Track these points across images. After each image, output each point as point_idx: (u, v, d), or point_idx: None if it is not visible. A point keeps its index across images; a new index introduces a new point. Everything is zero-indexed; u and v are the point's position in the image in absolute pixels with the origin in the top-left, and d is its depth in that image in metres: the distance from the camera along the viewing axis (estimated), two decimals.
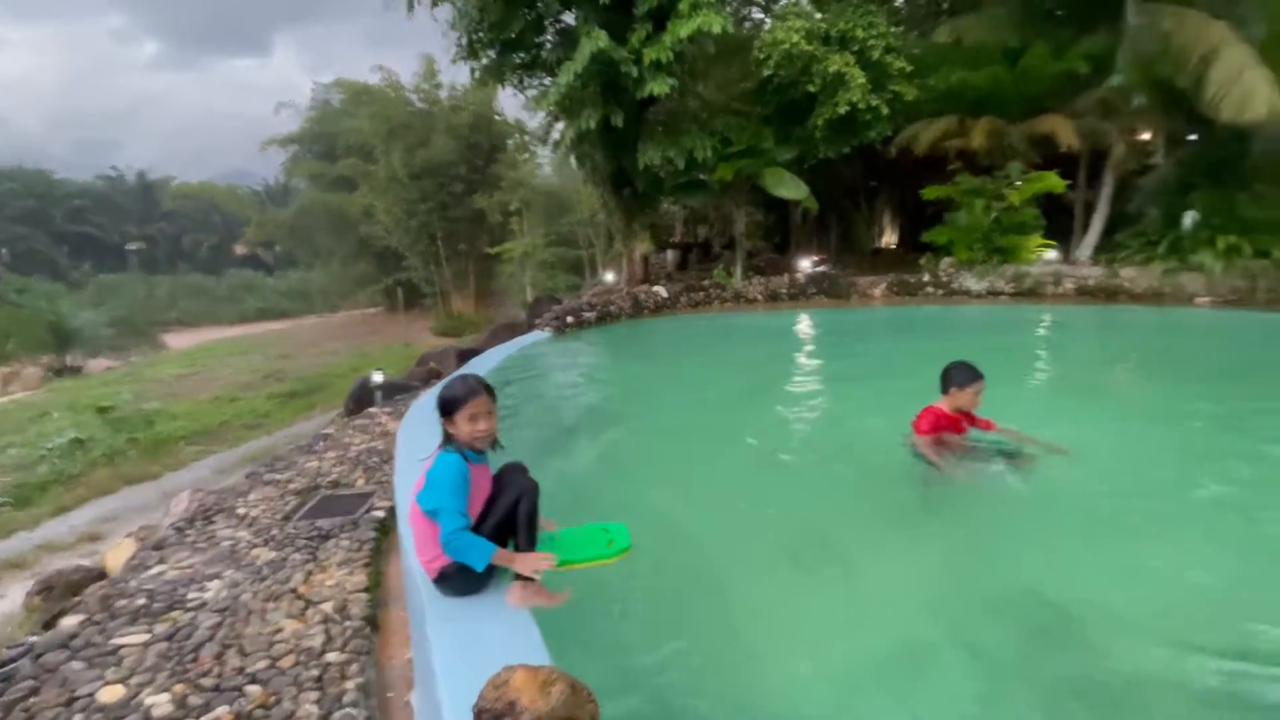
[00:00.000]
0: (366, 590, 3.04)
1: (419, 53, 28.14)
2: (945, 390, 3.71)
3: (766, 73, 11.70)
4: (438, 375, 9.21)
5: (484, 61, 12.53)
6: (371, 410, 6.85)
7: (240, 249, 49.00)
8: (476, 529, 2.22)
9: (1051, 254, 12.37)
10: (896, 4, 16.24)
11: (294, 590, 3.03)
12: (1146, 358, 7.94)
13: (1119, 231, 11.89)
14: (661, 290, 12.82)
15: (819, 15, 12.09)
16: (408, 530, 2.48)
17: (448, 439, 2.31)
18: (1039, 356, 8.33)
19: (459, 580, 2.22)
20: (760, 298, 13.52)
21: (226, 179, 46.62)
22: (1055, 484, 3.71)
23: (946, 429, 3.72)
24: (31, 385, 20.21)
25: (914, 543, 3.33)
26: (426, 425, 3.23)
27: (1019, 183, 11.86)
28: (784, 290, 13.66)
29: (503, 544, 2.27)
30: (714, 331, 10.80)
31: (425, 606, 2.21)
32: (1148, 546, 3.18)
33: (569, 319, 10.62)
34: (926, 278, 12.98)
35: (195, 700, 2.30)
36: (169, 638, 2.69)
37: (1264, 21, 10.23)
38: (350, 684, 2.38)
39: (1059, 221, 12.59)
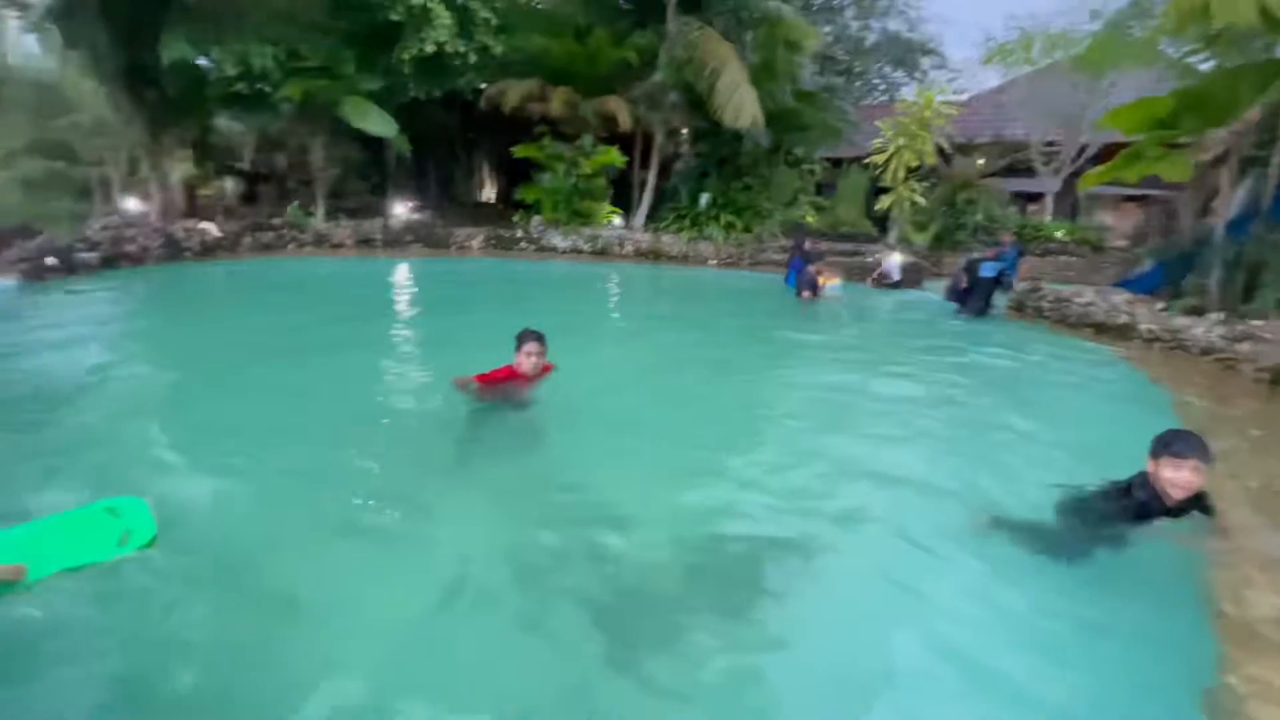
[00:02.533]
0: None
1: None
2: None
3: None
4: None
5: None
6: None
7: None
8: None
9: (618, 220, 14.43)
10: None
11: None
12: (675, 300, 10.31)
13: (663, 205, 14.55)
14: (212, 228, 10.43)
15: None
16: None
17: None
18: (606, 302, 9.69)
19: None
20: (349, 242, 12.27)
21: None
22: (586, 402, 4.36)
23: (511, 380, 3.94)
24: None
25: (473, 481, 3.42)
26: None
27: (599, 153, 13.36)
28: (378, 236, 12.70)
29: None
30: (288, 279, 9.26)
31: None
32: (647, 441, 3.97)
33: (52, 261, 7.72)
34: (520, 233, 13.71)
35: None
36: None
37: (757, 52, 13.56)
38: None
39: (623, 192, 14.71)
